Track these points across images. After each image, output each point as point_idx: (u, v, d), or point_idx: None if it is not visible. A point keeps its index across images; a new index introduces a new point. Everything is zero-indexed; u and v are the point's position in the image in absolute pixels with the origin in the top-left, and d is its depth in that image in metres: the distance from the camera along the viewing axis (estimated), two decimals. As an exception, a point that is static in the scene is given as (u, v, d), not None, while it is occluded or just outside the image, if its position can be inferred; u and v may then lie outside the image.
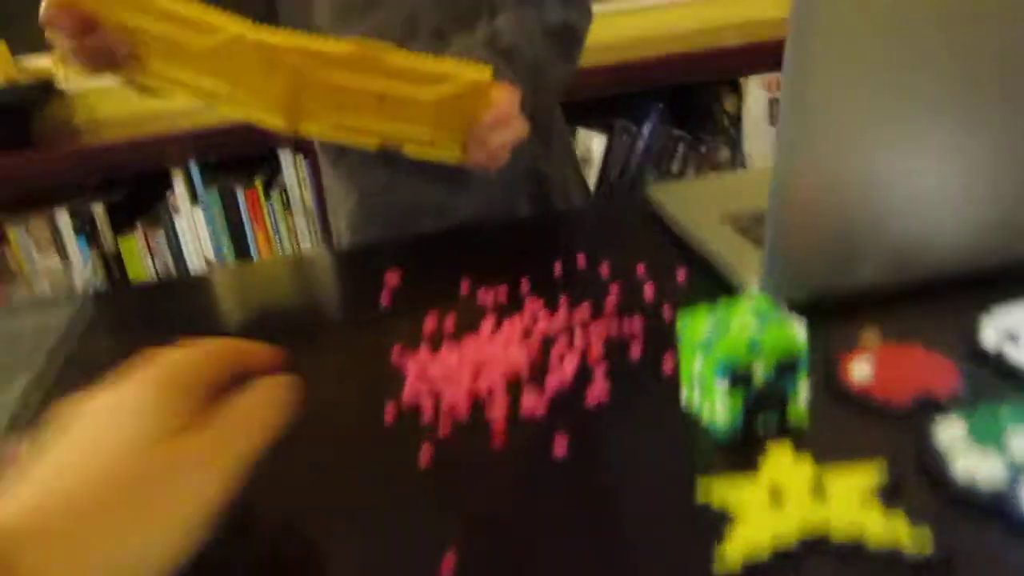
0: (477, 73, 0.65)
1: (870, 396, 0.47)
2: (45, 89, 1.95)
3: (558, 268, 0.70)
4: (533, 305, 0.63)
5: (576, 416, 0.50)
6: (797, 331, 0.44)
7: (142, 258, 1.87)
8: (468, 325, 0.61)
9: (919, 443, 0.43)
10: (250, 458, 0.36)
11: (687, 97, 1.95)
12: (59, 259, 1.87)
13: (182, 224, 1.84)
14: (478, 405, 0.51)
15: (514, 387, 0.53)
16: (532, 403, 0.51)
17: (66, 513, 0.31)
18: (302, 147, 1.80)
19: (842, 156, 0.53)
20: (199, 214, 1.83)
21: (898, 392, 0.47)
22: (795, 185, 0.53)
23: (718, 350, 0.44)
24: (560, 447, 0.46)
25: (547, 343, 0.58)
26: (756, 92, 1.89)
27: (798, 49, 0.49)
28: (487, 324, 0.60)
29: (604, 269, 0.69)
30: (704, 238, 0.69)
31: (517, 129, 0.73)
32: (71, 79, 2.06)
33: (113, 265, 1.86)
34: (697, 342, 0.46)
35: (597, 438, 0.48)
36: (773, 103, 1.89)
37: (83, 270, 1.87)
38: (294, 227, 1.86)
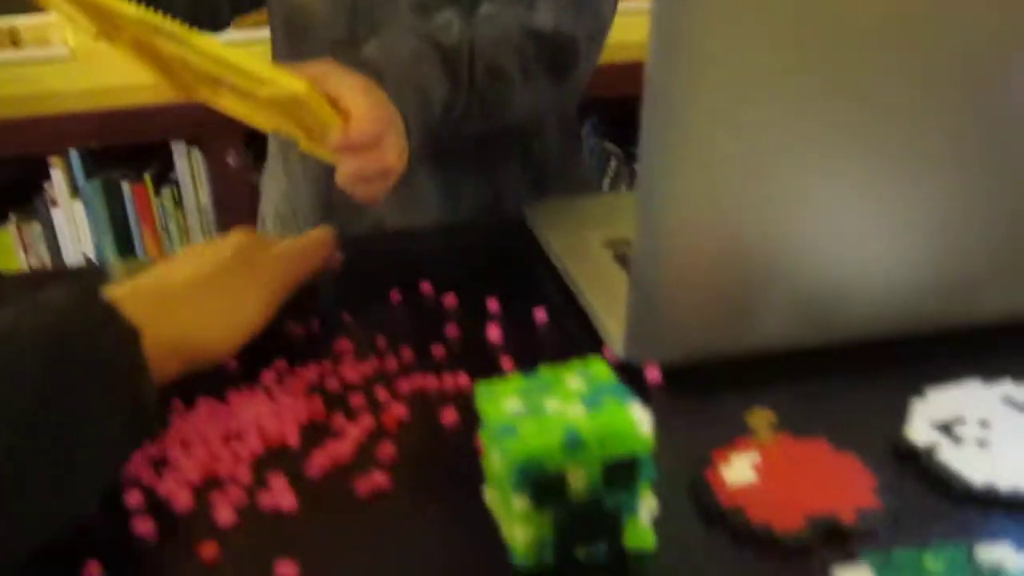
0: (294, 84, 0.50)
1: (746, 515, 0.33)
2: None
3: (395, 296, 0.55)
4: (341, 346, 0.48)
5: (337, 511, 0.35)
6: (638, 419, 0.30)
7: (15, 252, 1.68)
8: (238, 375, 0.45)
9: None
10: (292, 283, 0.49)
11: (621, 111, 1.82)
12: (-77, 249, 1.67)
13: (60, 217, 1.66)
14: (204, 497, 0.36)
15: (264, 467, 0.38)
16: (280, 493, 0.35)
17: (159, 289, 0.44)
18: (197, 139, 1.64)
19: (727, 187, 0.39)
20: (79, 208, 1.65)
21: (786, 512, 0.33)
22: (666, 218, 0.39)
23: (518, 448, 0.29)
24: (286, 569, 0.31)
25: (333, 402, 0.42)
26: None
27: (661, 76, 0.35)
28: (268, 375, 0.45)
29: (449, 300, 0.54)
30: (575, 271, 0.54)
31: (374, 163, 0.56)
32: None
33: (-19, 258, 1.68)
34: (494, 428, 0.31)
35: (357, 548, 0.33)
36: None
37: (-53, 262, 1.67)
38: (185, 226, 1.69)
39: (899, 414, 0.38)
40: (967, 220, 0.43)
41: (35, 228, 1.67)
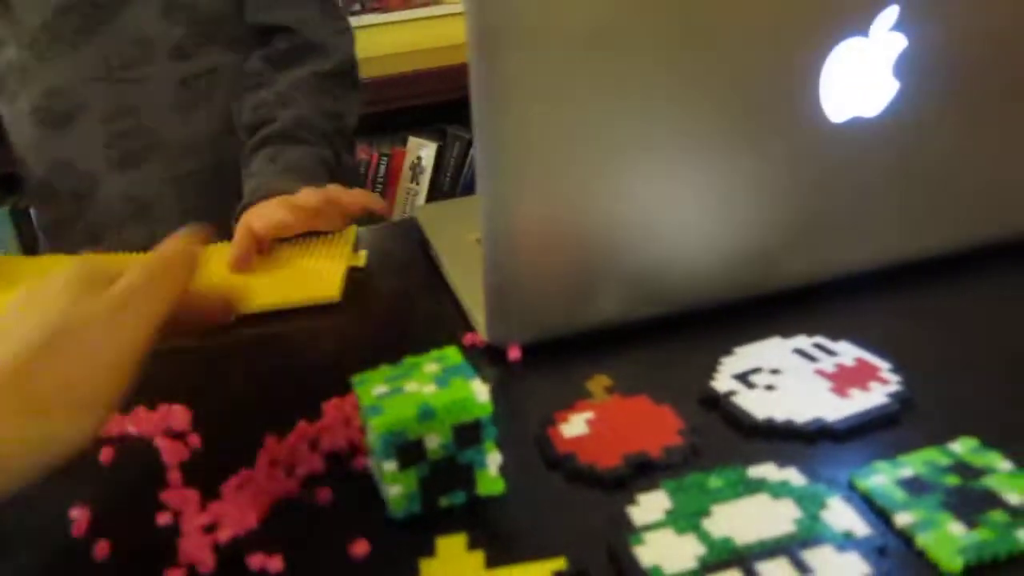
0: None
1: (577, 458, 0.41)
2: None
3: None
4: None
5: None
6: (478, 390, 0.38)
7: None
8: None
9: (613, 522, 0.36)
10: (163, 305, 0.38)
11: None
12: None
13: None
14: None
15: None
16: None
17: None
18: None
19: (560, 181, 0.47)
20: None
21: (608, 452, 0.41)
22: (509, 213, 0.47)
23: (383, 421, 0.36)
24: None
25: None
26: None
27: (483, 60, 0.42)
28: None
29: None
30: (448, 265, 0.62)
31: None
32: None
33: None
34: (364, 408, 0.38)
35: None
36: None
37: None
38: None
39: (710, 369, 0.47)
40: (762, 200, 0.51)
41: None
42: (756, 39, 0.45)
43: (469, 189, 1.85)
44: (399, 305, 0.64)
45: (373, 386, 0.39)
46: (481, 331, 0.53)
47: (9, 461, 0.33)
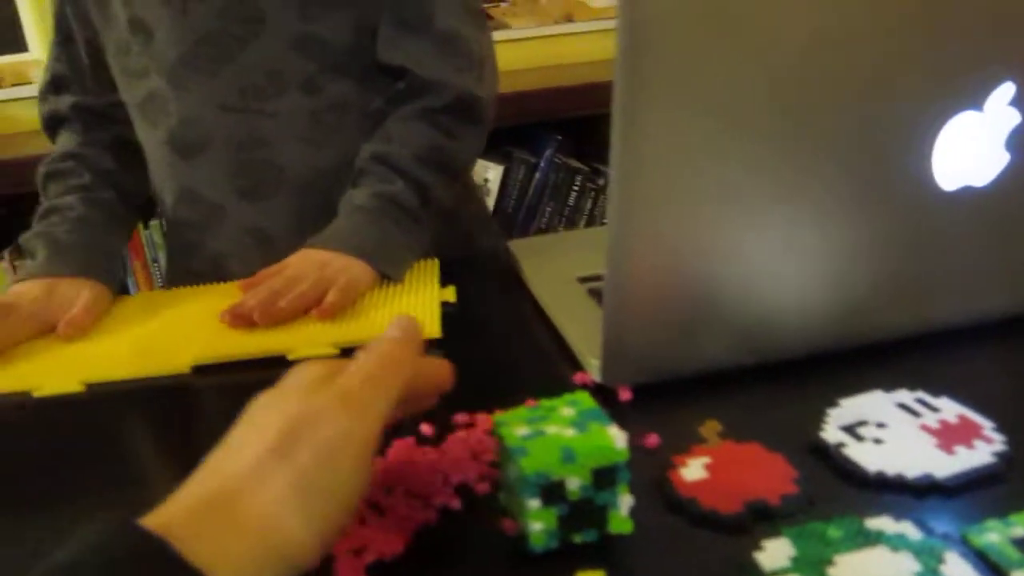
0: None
1: (698, 503, 0.43)
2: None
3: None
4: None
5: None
6: (615, 436, 0.40)
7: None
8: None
9: (742, 568, 0.39)
10: (390, 401, 0.38)
11: (587, 129, 1.93)
12: (-84, 286, 1.73)
13: (52, 252, 1.73)
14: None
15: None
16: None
17: (219, 494, 0.34)
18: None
19: (682, 234, 0.49)
20: (70, 242, 1.72)
21: (729, 498, 0.43)
22: (631, 262, 0.50)
23: (528, 464, 0.39)
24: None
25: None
26: (654, 126, 1.88)
27: (627, 123, 0.45)
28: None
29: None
30: (552, 305, 0.65)
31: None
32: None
33: (-25, 294, 1.74)
34: (508, 448, 0.41)
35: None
36: (671, 137, 1.88)
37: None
38: (175, 257, 1.77)
39: (817, 419, 0.49)
40: (868, 257, 0.54)
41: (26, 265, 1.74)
42: (876, 110, 0.47)
43: (531, 212, 1.88)
44: (497, 339, 0.67)
45: (515, 427, 0.42)
46: (591, 371, 0.56)
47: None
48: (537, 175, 1.86)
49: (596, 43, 2.19)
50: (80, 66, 0.90)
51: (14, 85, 1.99)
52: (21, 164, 1.66)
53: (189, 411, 0.61)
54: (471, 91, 0.84)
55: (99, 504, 0.49)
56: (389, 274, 0.76)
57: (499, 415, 0.43)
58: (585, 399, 0.44)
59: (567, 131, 1.89)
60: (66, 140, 0.91)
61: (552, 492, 0.40)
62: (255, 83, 0.82)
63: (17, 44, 2.04)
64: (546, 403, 0.44)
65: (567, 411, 0.43)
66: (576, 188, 1.89)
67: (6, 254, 1.74)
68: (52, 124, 0.93)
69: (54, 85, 0.92)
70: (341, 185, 0.85)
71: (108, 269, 0.81)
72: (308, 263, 0.75)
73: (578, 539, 0.42)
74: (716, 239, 0.50)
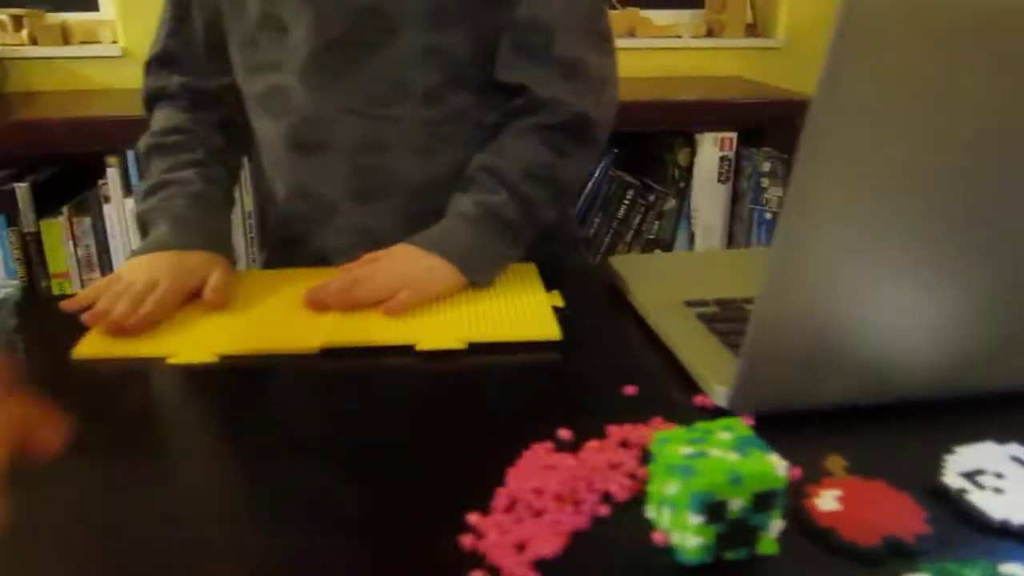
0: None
1: (838, 532, 0.46)
2: (-23, 53, 1.85)
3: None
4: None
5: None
6: (777, 464, 0.43)
7: (63, 244, 1.78)
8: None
9: (889, 598, 0.42)
10: None
11: (640, 144, 1.96)
12: (-28, 235, 1.76)
13: (111, 213, 1.76)
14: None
15: (472, 481, 0.50)
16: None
17: None
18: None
19: (827, 285, 0.52)
20: (130, 205, 1.75)
21: (866, 531, 0.46)
22: (781, 303, 0.52)
23: (697, 482, 0.42)
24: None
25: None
26: (709, 148, 1.91)
27: (801, 187, 0.48)
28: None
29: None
30: (666, 327, 0.67)
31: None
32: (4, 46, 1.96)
33: (32, 248, 1.77)
34: (674, 466, 0.44)
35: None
36: (723, 160, 1.92)
37: (-3, 249, 1.76)
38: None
39: (935, 463, 0.52)
40: (989, 311, 0.56)
41: (85, 222, 1.77)
42: (1011, 178, 0.50)
43: (579, 222, 1.91)
44: (605, 352, 0.70)
45: (678, 446, 0.45)
46: (714, 396, 0.59)
47: None
48: (590, 185, 1.89)
49: (655, 60, 2.21)
50: (195, 47, 0.92)
51: (83, 43, 2.02)
52: (88, 123, 1.69)
53: (315, 391, 0.63)
54: (587, 112, 0.86)
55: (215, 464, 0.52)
56: (478, 281, 0.79)
57: (660, 433, 0.46)
58: (739, 425, 0.46)
59: (622, 145, 1.91)
60: (170, 115, 0.92)
61: (715, 511, 0.43)
62: (380, 90, 0.84)
63: (88, 2, 2.08)
64: (702, 426, 0.47)
65: (724, 435, 0.46)
66: (627, 202, 1.92)
67: (65, 209, 1.77)
68: (154, 97, 0.95)
69: (163, 61, 0.93)
70: (450, 192, 0.87)
71: (228, 244, 0.83)
72: (399, 258, 0.78)
73: (730, 556, 0.44)
74: (855, 289, 0.53)
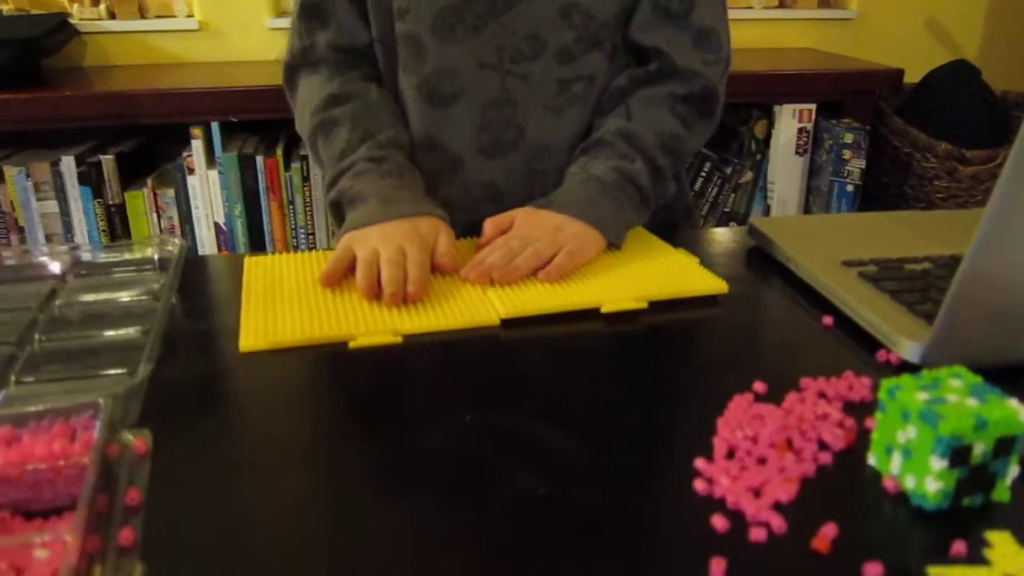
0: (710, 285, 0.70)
1: (1066, 482, 0.46)
2: (59, 26, 1.87)
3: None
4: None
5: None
6: (1019, 409, 0.43)
7: (148, 214, 1.80)
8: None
9: None
10: None
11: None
12: (57, 206, 1.79)
13: (194, 184, 1.78)
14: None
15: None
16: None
17: None
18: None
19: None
20: (214, 176, 1.77)
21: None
22: (990, 264, 0.52)
23: (944, 426, 0.42)
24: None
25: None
26: (787, 120, 1.89)
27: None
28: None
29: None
30: (839, 288, 0.67)
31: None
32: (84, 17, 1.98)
33: (116, 218, 1.79)
34: (913, 411, 0.44)
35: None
36: (801, 132, 1.90)
37: (82, 221, 1.79)
38: (311, 198, 1.81)
39: None
40: None
41: (168, 193, 1.80)
42: None
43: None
44: (765, 309, 0.70)
45: (911, 392, 0.45)
46: (901, 350, 0.59)
47: None
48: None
49: (746, 31, 2.19)
50: (337, 2, 0.90)
51: (158, 17, 2.04)
52: (172, 95, 1.71)
53: (505, 362, 0.62)
54: (715, 85, 0.87)
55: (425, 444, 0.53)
56: (616, 244, 0.79)
57: (889, 381, 0.46)
58: (966, 373, 0.46)
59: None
60: (321, 83, 0.90)
61: (959, 455, 0.43)
62: (515, 45, 0.84)
63: (161, -24, 2.09)
64: (928, 374, 0.47)
65: (955, 383, 0.46)
66: (703, 174, 1.91)
67: (149, 180, 1.79)
68: (298, 65, 0.93)
69: (307, 18, 0.91)
70: (571, 151, 0.87)
71: (436, 203, 0.81)
72: (541, 224, 0.78)
73: (966, 502, 0.44)
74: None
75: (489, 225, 0.80)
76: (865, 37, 2.24)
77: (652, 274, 0.72)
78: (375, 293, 0.68)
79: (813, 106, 1.88)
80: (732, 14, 2.21)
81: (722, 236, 0.89)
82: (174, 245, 0.72)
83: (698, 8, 0.86)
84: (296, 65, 0.93)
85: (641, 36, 0.86)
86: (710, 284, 0.70)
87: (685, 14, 0.86)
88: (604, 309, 0.67)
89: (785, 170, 1.92)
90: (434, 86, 0.87)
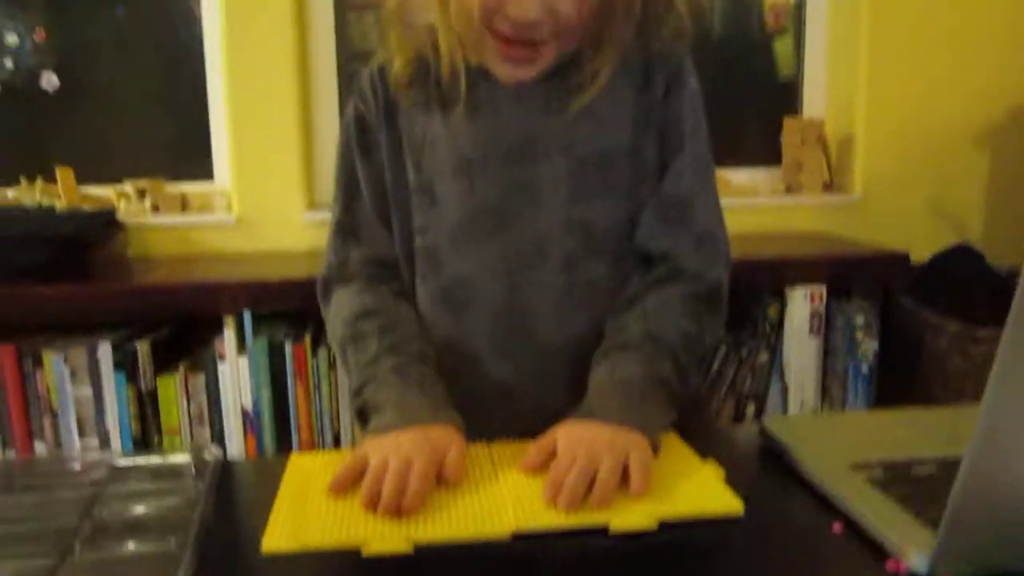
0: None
1: None
2: (107, 222, 1.99)
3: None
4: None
5: None
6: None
7: (178, 400, 1.85)
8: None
9: None
10: None
11: (731, 299, 2.00)
12: (91, 391, 1.85)
13: (224, 371, 1.84)
14: None
15: None
16: None
17: None
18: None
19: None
20: (244, 363, 1.83)
21: None
22: (989, 470, 0.55)
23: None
24: None
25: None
26: (799, 302, 1.95)
27: (1010, 354, 0.52)
28: None
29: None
30: (847, 496, 0.69)
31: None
32: (130, 212, 2.11)
33: (147, 403, 1.84)
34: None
35: None
36: (813, 314, 1.95)
37: (114, 406, 1.84)
38: (336, 386, 1.86)
39: None
40: None
41: (199, 379, 1.85)
42: None
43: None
44: (780, 516, 0.71)
45: None
46: (908, 560, 0.60)
47: None
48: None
49: (736, 217, 2.28)
50: (368, 218, 0.98)
51: (200, 211, 2.17)
52: (207, 287, 1.80)
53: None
54: (719, 282, 0.93)
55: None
56: (656, 448, 0.81)
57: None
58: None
59: (713, 300, 1.96)
60: (353, 297, 0.96)
61: None
62: (523, 255, 0.91)
63: (206, 172, 2.24)
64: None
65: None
66: (720, 357, 1.95)
67: (181, 367, 1.85)
68: (333, 278, 0.99)
69: (342, 235, 0.99)
70: (584, 351, 0.91)
71: (455, 412, 0.84)
72: (594, 440, 0.78)
73: None
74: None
75: (535, 450, 0.79)
76: (870, 219, 2.34)
77: (669, 489, 0.73)
78: (375, 504, 0.70)
79: (823, 288, 1.94)
80: (742, 202, 2.33)
81: (736, 434, 0.91)
82: (209, 454, 0.76)
83: (696, 214, 0.93)
84: (331, 279, 0.99)
85: (647, 244, 0.92)
86: (726, 504, 0.70)
87: (685, 220, 0.92)
88: (612, 529, 0.67)
89: (800, 351, 1.96)
90: (450, 293, 0.93)
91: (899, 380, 2.03)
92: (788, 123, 2.36)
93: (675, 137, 0.93)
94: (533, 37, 0.85)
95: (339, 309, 0.96)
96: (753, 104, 2.54)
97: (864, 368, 1.89)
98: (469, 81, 0.91)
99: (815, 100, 2.45)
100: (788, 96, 2.49)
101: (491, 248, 0.91)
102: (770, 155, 2.42)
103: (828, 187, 2.40)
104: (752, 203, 2.32)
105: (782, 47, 2.52)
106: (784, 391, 1.98)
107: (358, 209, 0.99)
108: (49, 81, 2.17)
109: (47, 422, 1.86)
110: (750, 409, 1.99)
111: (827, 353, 1.97)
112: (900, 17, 2.30)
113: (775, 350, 1.97)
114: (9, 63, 2.17)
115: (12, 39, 2.17)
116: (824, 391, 1.98)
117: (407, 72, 0.93)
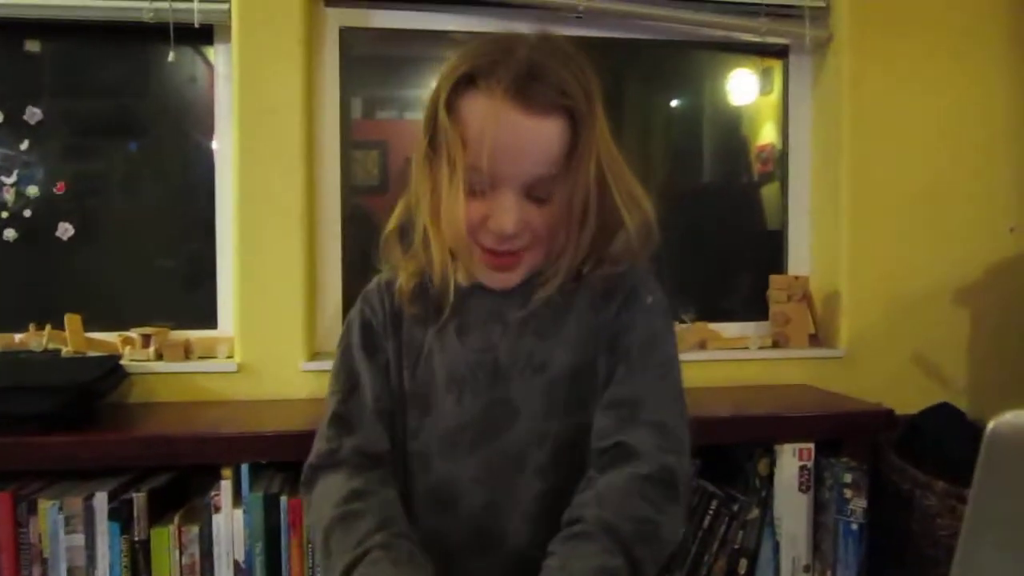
0: None
1: None
2: (112, 368, 2.04)
3: None
4: None
5: None
6: None
7: (170, 552, 1.85)
8: None
9: None
10: None
11: (722, 454, 2.03)
12: (84, 539, 1.84)
13: (219, 522, 1.84)
14: None
15: None
16: None
17: None
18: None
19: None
20: (239, 515, 1.84)
21: None
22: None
23: None
24: None
25: None
26: (788, 458, 1.98)
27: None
28: None
29: None
30: None
31: None
32: (134, 360, 2.16)
33: (140, 554, 1.84)
34: None
35: None
36: (803, 470, 1.97)
37: (107, 556, 1.83)
38: (329, 539, 1.86)
39: None
40: None
41: (193, 531, 1.85)
42: None
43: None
44: None
45: None
46: None
47: None
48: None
49: (725, 370, 2.35)
50: (365, 413, 1.06)
51: (202, 358, 2.22)
52: (206, 438, 1.83)
53: None
54: (674, 467, 0.96)
55: None
56: None
57: None
58: None
59: (705, 455, 1.99)
60: (341, 482, 1.01)
61: None
62: (501, 464, 1.00)
63: (210, 321, 2.30)
64: None
65: None
66: (711, 512, 1.96)
67: (176, 518, 1.86)
68: (321, 465, 1.05)
69: (337, 425, 1.06)
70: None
71: None
72: None
73: None
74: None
75: None
76: (855, 373, 2.39)
77: None
78: None
79: (811, 445, 1.97)
80: (731, 355, 2.40)
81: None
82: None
83: (645, 409, 0.98)
84: (319, 466, 1.05)
85: (601, 443, 0.98)
86: None
87: (635, 415, 0.98)
88: None
89: (791, 507, 1.97)
90: (436, 494, 1.02)
91: (891, 537, 2.04)
92: (775, 280, 2.45)
93: (621, 349, 1.01)
94: (513, 247, 0.96)
95: (327, 493, 1.01)
96: (742, 257, 2.64)
97: (854, 526, 1.90)
98: (458, 300, 1.00)
99: (800, 256, 2.55)
100: (775, 247, 2.58)
101: (475, 458, 1.01)
102: (758, 309, 2.50)
103: (814, 341, 2.47)
104: (743, 356, 2.38)
105: (769, 193, 2.64)
106: (776, 548, 1.99)
107: (355, 404, 1.06)
108: (65, 231, 2.26)
109: (36, 571, 1.85)
110: (743, 566, 1.99)
111: (817, 509, 1.99)
112: (878, 174, 2.42)
113: (766, 506, 1.99)
114: (28, 213, 2.26)
115: (32, 190, 2.28)
116: (816, 547, 1.98)
117: (410, 286, 1.04)
